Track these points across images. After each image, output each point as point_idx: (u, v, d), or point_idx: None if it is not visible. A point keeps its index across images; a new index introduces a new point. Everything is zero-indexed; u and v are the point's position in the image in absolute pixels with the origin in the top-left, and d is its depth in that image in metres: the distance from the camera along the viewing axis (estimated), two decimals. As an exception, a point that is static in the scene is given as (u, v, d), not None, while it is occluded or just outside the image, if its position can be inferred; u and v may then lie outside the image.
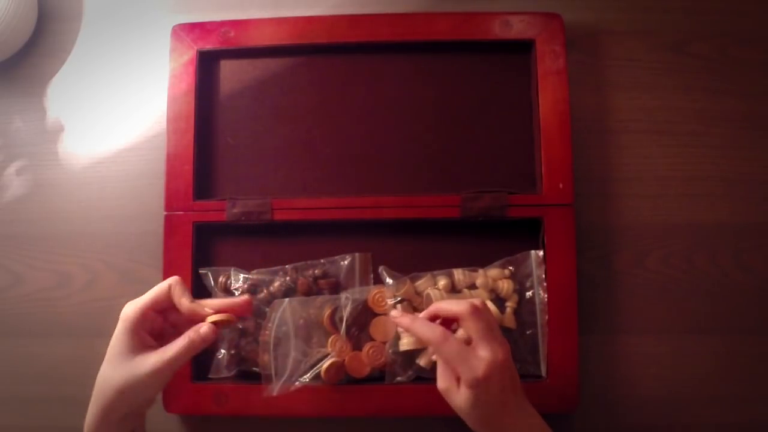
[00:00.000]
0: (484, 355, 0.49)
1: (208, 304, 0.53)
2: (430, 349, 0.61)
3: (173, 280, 0.53)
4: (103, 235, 0.69)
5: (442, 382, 0.51)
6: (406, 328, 0.54)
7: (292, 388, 0.60)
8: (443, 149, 0.67)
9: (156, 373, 0.49)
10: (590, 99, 0.68)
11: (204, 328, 0.51)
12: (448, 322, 0.55)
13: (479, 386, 0.48)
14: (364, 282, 0.64)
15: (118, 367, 0.50)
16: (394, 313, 0.56)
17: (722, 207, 0.67)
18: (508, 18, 0.66)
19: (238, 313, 0.54)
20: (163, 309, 0.53)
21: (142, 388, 0.49)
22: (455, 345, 0.50)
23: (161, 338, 0.53)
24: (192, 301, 0.52)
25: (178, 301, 0.52)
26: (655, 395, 0.64)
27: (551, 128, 0.64)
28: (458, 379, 0.50)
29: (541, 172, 0.63)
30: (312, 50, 0.68)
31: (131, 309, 0.51)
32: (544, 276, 0.62)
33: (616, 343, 0.65)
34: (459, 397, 0.50)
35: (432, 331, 0.51)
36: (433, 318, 0.54)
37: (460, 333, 0.53)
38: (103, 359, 0.70)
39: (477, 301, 0.52)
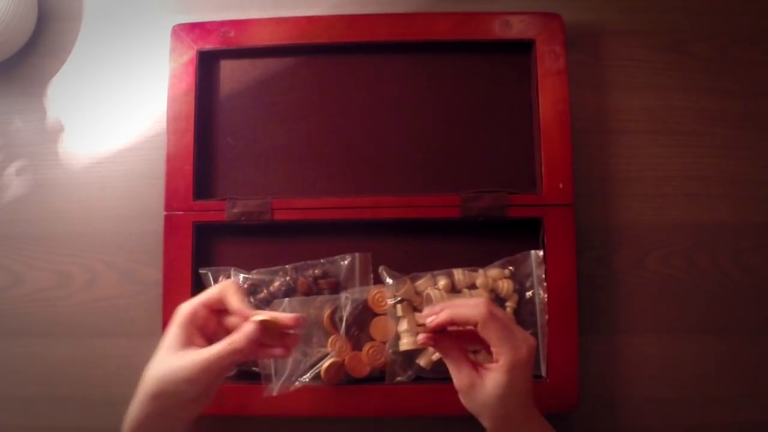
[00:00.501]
0: (523, 337, 0.49)
1: (258, 313, 0.50)
2: (430, 349, 0.61)
3: (229, 281, 0.52)
4: (103, 235, 0.69)
5: (463, 378, 0.49)
6: (451, 319, 0.49)
7: (292, 388, 0.60)
8: (443, 149, 0.67)
9: (191, 371, 0.47)
10: (590, 99, 0.68)
11: (248, 326, 0.48)
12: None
13: (518, 369, 0.47)
14: (364, 282, 0.64)
15: (162, 357, 0.48)
16: (429, 319, 0.50)
17: (722, 207, 0.67)
18: (508, 18, 0.66)
19: (286, 328, 0.50)
20: (219, 311, 0.52)
21: (177, 384, 0.47)
22: (500, 324, 0.48)
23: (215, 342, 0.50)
24: (242, 302, 0.50)
25: (229, 299, 0.50)
26: (655, 395, 0.64)
27: (551, 128, 0.64)
28: (477, 372, 0.49)
29: (541, 172, 0.63)
30: (312, 50, 0.68)
31: (184, 305, 0.51)
32: (544, 276, 0.62)
33: (616, 343, 0.65)
34: (488, 387, 0.48)
35: (477, 310, 0.48)
36: (447, 325, 0.51)
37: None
38: (103, 359, 0.70)
39: (484, 301, 0.49)
